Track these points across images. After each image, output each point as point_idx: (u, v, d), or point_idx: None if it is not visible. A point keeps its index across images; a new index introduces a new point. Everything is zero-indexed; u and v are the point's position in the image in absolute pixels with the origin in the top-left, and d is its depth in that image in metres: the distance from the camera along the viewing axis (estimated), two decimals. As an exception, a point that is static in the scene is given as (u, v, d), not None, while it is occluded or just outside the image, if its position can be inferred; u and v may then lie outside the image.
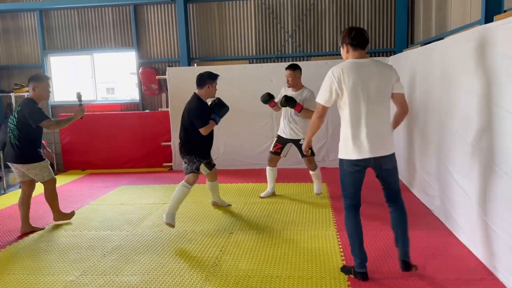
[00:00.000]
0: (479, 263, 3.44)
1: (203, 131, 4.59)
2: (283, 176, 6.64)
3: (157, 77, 8.51)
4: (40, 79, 4.60)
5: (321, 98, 3.22)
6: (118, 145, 8.24)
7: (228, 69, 7.60)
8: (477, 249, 3.54)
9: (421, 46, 6.23)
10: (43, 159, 4.65)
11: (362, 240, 3.26)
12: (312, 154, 5.44)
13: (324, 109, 3.25)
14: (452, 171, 4.02)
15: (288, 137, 5.40)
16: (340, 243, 4.02)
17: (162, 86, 8.96)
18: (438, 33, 6.58)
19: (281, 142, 5.48)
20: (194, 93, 4.86)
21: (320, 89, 3.23)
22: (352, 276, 3.28)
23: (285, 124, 5.40)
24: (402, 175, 6.33)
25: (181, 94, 7.68)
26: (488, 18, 4.36)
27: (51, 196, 4.79)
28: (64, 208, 5.58)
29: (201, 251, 3.95)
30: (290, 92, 5.32)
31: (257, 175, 6.86)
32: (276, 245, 4.03)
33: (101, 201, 5.89)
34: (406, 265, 3.23)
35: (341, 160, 3.23)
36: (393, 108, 3.34)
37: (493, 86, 3.16)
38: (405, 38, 8.22)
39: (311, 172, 5.54)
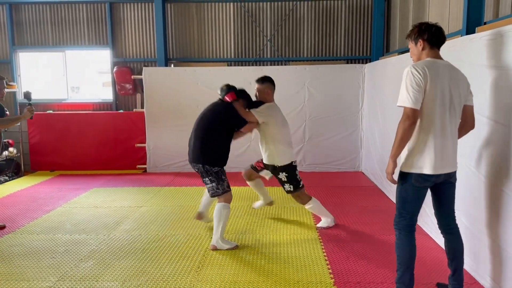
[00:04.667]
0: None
1: (246, 129, 4.15)
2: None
3: (132, 76, 8.32)
4: None
5: (409, 101, 2.64)
6: (89, 146, 7.98)
7: (207, 71, 7.53)
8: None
9: (398, 54, 6.37)
10: None
11: (414, 267, 2.84)
12: (296, 187, 4.36)
13: (416, 113, 2.65)
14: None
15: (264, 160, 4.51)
16: (323, 247, 4.02)
17: (137, 86, 8.77)
18: (415, 42, 6.75)
19: (263, 162, 4.58)
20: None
21: (402, 90, 2.70)
22: None
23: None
24: (376, 177, 6.45)
25: (157, 95, 7.57)
26: (470, 29, 4.51)
27: None
28: (35, 210, 5.36)
29: (183, 256, 3.86)
30: None
31: (234, 179, 6.76)
32: (260, 249, 3.99)
33: (73, 204, 5.67)
34: None
35: (407, 174, 2.76)
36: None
37: (475, 95, 3.25)
38: (381, 46, 8.39)
39: (306, 207, 4.59)
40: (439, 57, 2.80)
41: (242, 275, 3.46)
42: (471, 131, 2.94)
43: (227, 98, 4.06)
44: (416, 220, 2.87)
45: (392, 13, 8.15)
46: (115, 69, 8.70)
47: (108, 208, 5.44)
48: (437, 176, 2.73)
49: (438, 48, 2.82)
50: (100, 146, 7.97)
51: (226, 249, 3.94)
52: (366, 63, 7.89)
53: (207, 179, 4.01)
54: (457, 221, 3.15)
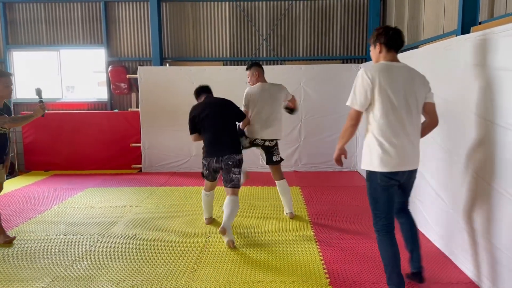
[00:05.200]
0: (454, 266, 3.52)
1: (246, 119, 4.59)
2: (260, 180, 6.61)
3: (127, 76, 8.28)
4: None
5: (355, 102, 2.83)
6: (84, 146, 7.93)
7: (202, 71, 7.51)
8: (452, 253, 3.63)
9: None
10: None
11: (400, 265, 2.89)
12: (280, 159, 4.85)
13: (359, 114, 2.85)
14: (428, 177, 4.12)
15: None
16: (318, 246, 4.02)
17: (132, 85, 8.74)
18: (410, 42, 6.77)
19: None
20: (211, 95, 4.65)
21: (351, 92, 2.86)
22: None
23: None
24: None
25: (152, 94, 7.54)
26: (465, 29, 4.52)
27: None
28: (29, 210, 5.32)
29: (178, 256, 3.84)
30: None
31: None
32: (255, 249, 3.99)
33: (67, 204, 5.64)
34: (421, 276, 3.09)
35: (371, 173, 2.88)
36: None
37: (469, 93, 3.26)
38: (377, 46, 8.40)
39: (277, 182, 4.89)
40: (396, 60, 2.90)
41: (237, 275, 3.45)
42: (467, 132, 2.94)
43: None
44: (392, 220, 2.93)
45: (388, 12, 8.17)
46: (110, 68, 8.66)
47: (103, 208, 5.41)
48: (401, 174, 2.84)
49: (396, 51, 2.91)
50: (95, 145, 7.93)
51: (228, 240, 4.05)
52: (362, 62, 7.91)
53: (236, 170, 4.24)
54: (451, 220, 3.16)
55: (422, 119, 3.00)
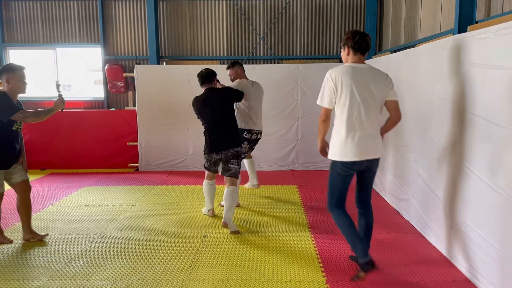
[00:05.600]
0: (450, 265, 3.54)
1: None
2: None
3: (124, 74, 8.25)
4: (13, 70, 4.01)
5: (324, 101, 3.24)
6: (80, 144, 7.90)
7: (199, 69, 7.46)
8: (449, 252, 3.64)
9: (390, 53, 6.39)
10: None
11: (357, 232, 3.30)
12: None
13: (328, 111, 3.26)
14: (424, 176, 4.13)
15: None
16: (315, 244, 4.02)
17: (129, 84, 8.71)
18: (407, 41, 6.79)
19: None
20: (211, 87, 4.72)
21: (320, 92, 3.26)
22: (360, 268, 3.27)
23: None
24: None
25: (149, 93, 7.52)
26: (462, 28, 4.53)
27: None
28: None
29: (175, 255, 3.84)
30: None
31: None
32: (252, 248, 3.99)
33: (64, 202, 5.62)
34: (372, 263, 3.27)
35: (333, 162, 3.25)
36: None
37: (466, 92, 3.27)
38: (374, 45, 8.42)
39: (245, 161, 5.47)
40: (361, 62, 3.24)
41: (233, 273, 3.45)
42: (461, 131, 2.94)
43: (216, 83, 4.74)
44: (344, 201, 3.32)
45: (385, 12, 8.18)
46: (106, 67, 8.64)
47: (99, 207, 5.40)
48: (359, 164, 3.18)
49: (362, 54, 3.24)
50: (92, 144, 7.89)
51: (232, 231, 4.38)
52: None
53: (235, 161, 4.54)
54: (447, 218, 3.16)
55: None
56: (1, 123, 3.92)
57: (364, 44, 3.20)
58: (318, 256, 3.77)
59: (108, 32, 8.85)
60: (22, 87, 4.09)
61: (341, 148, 3.17)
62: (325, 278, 3.35)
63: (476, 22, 4.62)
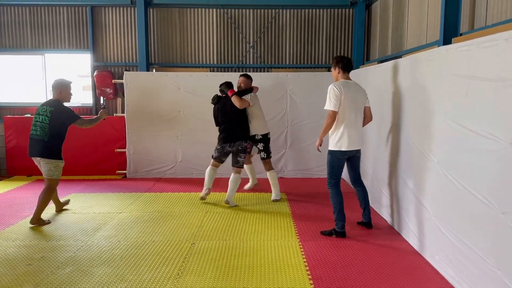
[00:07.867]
0: (435, 272, 3.58)
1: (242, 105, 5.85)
2: (244, 185, 6.62)
3: (113, 81, 8.23)
4: (65, 84, 5.15)
5: (332, 106, 4.27)
6: (68, 151, 7.69)
7: (189, 76, 7.52)
8: (433, 258, 3.69)
9: (378, 63, 6.50)
10: (62, 159, 5.08)
11: (343, 207, 4.44)
12: (267, 156, 6.08)
13: (335, 113, 4.29)
14: (410, 184, 4.19)
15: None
16: (303, 252, 4.04)
17: (118, 90, 8.68)
18: (394, 51, 6.89)
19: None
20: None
21: (328, 100, 4.28)
22: (334, 236, 4.44)
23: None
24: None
25: (138, 99, 7.51)
26: (446, 39, 4.63)
27: (46, 196, 4.95)
28: (11, 216, 5.24)
29: (162, 263, 3.82)
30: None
31: (215, 185, 6.77)
32: (239, 255, 3.99)
33: (50, 210, 5.55)
34: (370, 224, 4.72)
35: (333, 151, 4.38)
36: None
37: (451, 103, 3.35)
38: (362, 55, 8.53)
39: (268, 173, 6.06)
40: (349, 79, 4.44)
41: (221, 281, 3.45)
42: (445, 141, 2.99)
43: (229, 93, 5.77)
44: (339, 180, 4.47)
45: (373, 22, 8.31)
46: (95, 73, 8.61)
47: (86, 214, 5.35)
48: (349, 152, 4.39)
49: (349, 72, 4.43)
50: (79, 151, 7.82)
51: (231, 205, 5.64)
52: (347, 71, 7.99)
53: (242, 154, 5.75)
54: (431, 225, 3.18)
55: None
56: (63, 125, 5.02)
57: (350, 65, 4.42)
58: (306, 264, 3.79)
59: (98, 38, 8.83)
60: (70, 97, 5.24)
61: (340, 141, 4.32)
62: (312, 286, 3.36)
63: (461, 35, 4.73)
